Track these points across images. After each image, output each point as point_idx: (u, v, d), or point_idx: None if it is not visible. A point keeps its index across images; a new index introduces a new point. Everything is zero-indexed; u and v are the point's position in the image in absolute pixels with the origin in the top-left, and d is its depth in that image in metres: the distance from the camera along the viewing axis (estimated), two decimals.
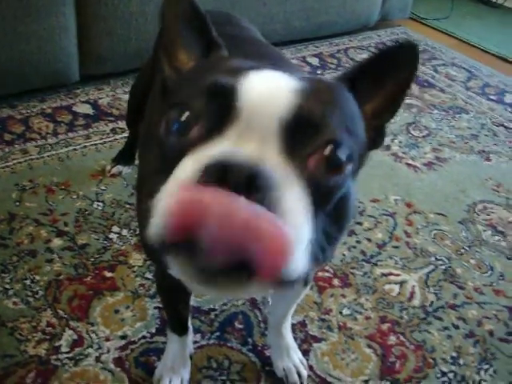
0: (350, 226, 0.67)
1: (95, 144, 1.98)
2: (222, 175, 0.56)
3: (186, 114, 0.63)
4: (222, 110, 0.62)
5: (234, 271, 0.56)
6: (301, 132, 0.62)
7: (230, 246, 0.54)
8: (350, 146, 0.65)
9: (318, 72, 2.63)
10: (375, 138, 0.78)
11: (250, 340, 1.37)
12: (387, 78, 0.75)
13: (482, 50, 3.12)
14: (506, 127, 2.38)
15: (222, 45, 0.76)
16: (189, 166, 0.59)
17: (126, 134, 1.92)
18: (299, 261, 0.59)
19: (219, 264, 0.55)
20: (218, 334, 1.38)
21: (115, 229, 1.63)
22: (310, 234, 0.61)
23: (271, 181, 0.57)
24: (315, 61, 2.74)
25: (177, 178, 0.60)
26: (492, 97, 2.60)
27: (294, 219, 0.58)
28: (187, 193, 0.56)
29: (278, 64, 1.22)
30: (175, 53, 0.76)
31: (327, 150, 0.63)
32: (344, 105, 0.69)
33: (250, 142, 0.61)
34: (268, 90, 0.63)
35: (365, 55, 2.85)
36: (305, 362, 1.33)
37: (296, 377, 1.29)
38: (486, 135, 2.31)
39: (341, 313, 1.46)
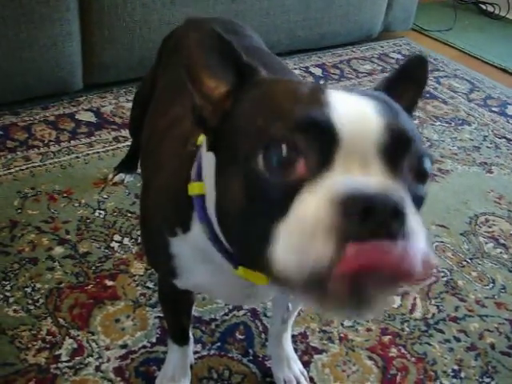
0: None
1: (98, 152, 1.99)
2: (363, 208, 0.56)
3: (285, 150, 0.61)
4: (324, 141, 0.61)
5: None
6: (398, 149, 0.63)
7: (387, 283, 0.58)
8: (431, 154, 0.67)
9: (321, 82, 2.64)
10: None
11: (250, 351, 1.37)
12: (404, 91, 0.79)
13: (485, 61, 3.13)
14: (508, 139, 2.38)
15: (256, 66, 0.75)
16: (320, 204, 0.58)
17: (128, 143, 1.92)
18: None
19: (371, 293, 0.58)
20: (218, 344, 1.37)
21: (117, 237, 1.63)
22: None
23: (406, 208, 0.58)
24: (318, 71, 2.75)
25: (311, 217, 0.58)
26: (494, 109, 2.61)
27: (421, 234, 0.60)
28: (354, 247, 0.56)
29: (286, 76, 1.23)
30: (202, 81, 0.73)
31: (419, 162, 0.65)
32: (407, 116, 0.71)
33: (357, 168, 0.61)
34: (359, 113, 0.63)
35: (368, 66, 2.86)
36: (305, 373, 1.32)
37: None
38: (488, 147, 2.31)
39: (342, 324, 1.46)
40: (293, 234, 0.58)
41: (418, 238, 0.59)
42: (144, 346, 1.35)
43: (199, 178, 0.79)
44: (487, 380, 1.37)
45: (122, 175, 1.84)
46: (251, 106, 0.69)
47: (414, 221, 0.59)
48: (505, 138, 2.39)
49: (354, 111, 0.63)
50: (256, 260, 0.62)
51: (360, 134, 0.62)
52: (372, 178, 0.60)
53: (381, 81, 0.79)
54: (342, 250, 0.55)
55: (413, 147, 0.64)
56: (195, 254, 0.87)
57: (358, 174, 0.60)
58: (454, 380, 1.36)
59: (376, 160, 0.62)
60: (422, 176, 0.66)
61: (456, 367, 1.39)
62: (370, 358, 1.39)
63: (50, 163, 1.90)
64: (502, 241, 1.81)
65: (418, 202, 0.66)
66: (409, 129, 0.65)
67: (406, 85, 0.80)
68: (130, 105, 1.81)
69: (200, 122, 0.74)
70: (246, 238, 0.65)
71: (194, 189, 0.79)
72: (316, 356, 1.38)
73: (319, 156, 0.61)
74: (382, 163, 0.62)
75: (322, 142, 0.61)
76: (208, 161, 0.75)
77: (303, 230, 0.57)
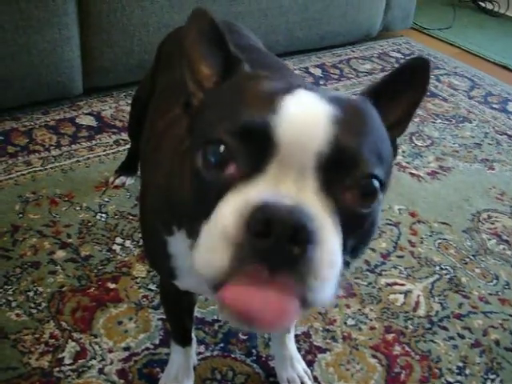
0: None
1: (98, 156, 1.99)
2: (265, 226, 0.57)
3: (223, 150, 0.63)
4: (258, 147, 0.62)
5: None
6: (338, 166, 0.62)
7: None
8: (382, 175, 0.66)
9: (321, 83, 2.63)
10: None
11: (253, 351, 1.37)
12: (403, 93, 0.78)
13: (485, 59, 3.12)
14: (509, 136, 2.37)
15: (243, 59, 0.76)
16: (230, 212, 0.60)
17: (129, 146, 1.92)
18: (330, 291, 0.62)
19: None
20: (221, 345, 1.37)
21: (118, 240, 1.63)
22: (340, 265, 0.63)
23: (313, 232, 0.58)
24: (318, 71, 2.75)
25: (220, 223, 0.60)
26: (495, 105, 2.60)
27: (331, 257, 0.60)
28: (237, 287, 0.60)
29: (282, 74, 1.23)
30: (198, 68, 0.77)
31: (363, 183, 0.64)
32: (376, 129, 0.70)
33: (289, 178, 0.61)
34: (304, 123, 0.62)
35: (367, 65, 2.86)
36: (309, 372, 1.32)
37: None
38: (490, 144, 2.30)
39: (345, 323, 1.45)
40: (206, 236, 0.62)
41: (317, 268, 0.59)
42: (147, 348, 1.35)
43: None
44: (492, 376, 1.36)
45: (122, 178, 1.84)
46: (216, 99, 0.72)
47: (327, 242, 0.59)
48: (506, 134, 2.38)
49: (301, 120, 0.62)
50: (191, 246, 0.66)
51: (299, 145, 0.61)
52: (289, 195, 0.60)
53: (377, 82, 0.77)
54: (235, 264, 0.58)
55: (357, 166, 0.63)
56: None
57: (287, 185, 0.60)
58: (459, 377, 1.35)
59: (311, 174, 0.61)
60: (368, 196, 0.64)
61: (460, 364, 1.38)
62: (374, 357, 1.38)
63: (51, 167, 1.90)
64: (505, 237, 1.81)
65: (358, 220, 0.65)
66: (359, 146, 0.63)
67: (402, 91, 0.78)
68: (129, 108, 1.81)
69: (187, 107, 0.77)
70: (189, 225, 0.69)
71: None
72: (320, 355, 1.37)
73: (251, 162, 0.62)
74: (317, 178, 0.61)
75: (256, 149, 0.62)
76: None
77: (212, 236, 0.61)
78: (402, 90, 0.78)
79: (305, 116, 0.63)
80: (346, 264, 0.65)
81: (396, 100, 0.78)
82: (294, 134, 0.61)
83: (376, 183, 0.64)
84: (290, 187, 0.60)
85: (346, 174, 0.62)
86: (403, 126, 0.82)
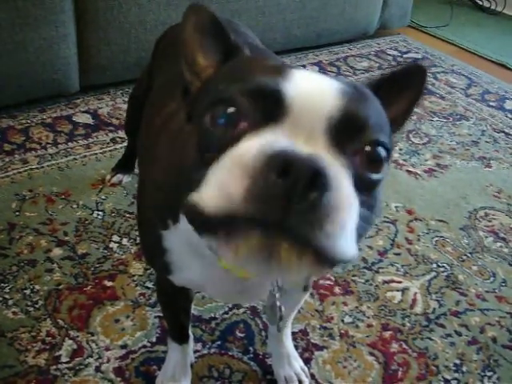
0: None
1: (95, 153, 1.98)
2: (285, 169, 0.56)
3: (233, 109, 0.64)
4: (271, 108, 0.63)
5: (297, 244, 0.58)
6: (347, 131, 0.63)
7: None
8: (388, 145, 0.67)
9: None
10: None
11: (251, 349, 1.37)
12: (402, 93, 0.80)
13: (482, 57, 3.13)
14: (506, 133, 2.37)
15: (244, 47, 0.78)
16: (251, 146, 0.59)
17: (125, 144, 1.92)
18: (351, 243, 0.61)
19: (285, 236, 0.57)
20: (218, 342, 1.37)
21: (115, 238, 1.63)
22: (356, 219, 0.62)
23: (330, 179, 0.58)
24: (315, 69, 2.74)
25: (240, 155, 0.60)
26: (492, 103, 2.60)
27: (347, 203, 0.60)
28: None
29: None
30: (195, 59, 0.78)
31: (370, 148, 0.65)
32: (380, 109, 0.72)
33: (300, 138, 0.62)
34: (314, 89, 0.64)
35: (364, 63, 2.85)
36: (306, 370, 1.32)
37: None
38: (487, 142, 2.30)
39: (342, 321, 1.45)
40: (218, 170, 0.60)
41: (334, 214, 0.58)
42: (144, 346, 1.34)
43: None
44: (489, 374, 1.36)
45: (119, 176, 1.84)
46: (221, 75, 0.74)
47: (341, 195, 0.59)
48: (503, 132, 2.38)
49: (311, 86, 0.64)
50: (186, 197, 0.63)
51: (309, 108, 0.62)
52: (307, 147, 0.60)
53: (375, 78, 0.78)
54: (249, 196, 0.56)
55: (365, 132, 0.64)
56: (187, 248, 0.88)
57: (299, 141, 0.61)
58: (456, 374, 1.35)
59: (322, 135, 0.62)
60: (373, 162, 0.65)
61: (458, 361, 1.38)
62: (371, 354, 1.38)
63: (48, 165, 1.90)
64: (502, 235, 1.81)
65: (367, 186, 0.66)
66: (366, 114, 0.65)
67: (397, 93, 0.80)
68: (126, 106, 1.81)
69: (186, 95, 0.78)
70: (187, 187, 0.65)
71: None
72: (317, 353, 1.37)
73: (263, 121, 0.62)
74: (327, 140, 0.62)
75: (268, 109, 0.63)
76: None
77: (228, 167, 0.59)
78: (399, 91, 0.80)
79: (315, 84, 0.65)
80: (362, 232, 0.65)
81: (394, 97, 0.79)
82: (306, 99, 0.63)
83: (382, 150, 0.66)
84: (302, 144, 0.61)
85: (355, 137, 0.64)
86: (401, 123, 0.84)
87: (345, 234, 0.60)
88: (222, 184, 0.59)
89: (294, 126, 0.62)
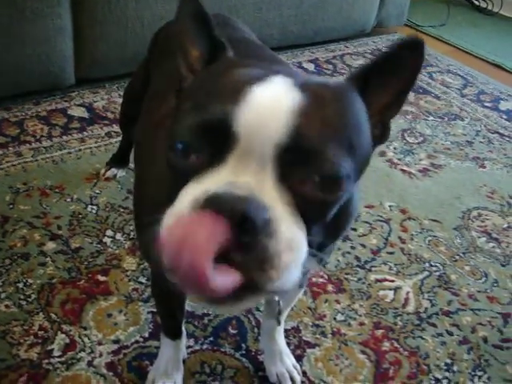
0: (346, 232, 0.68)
1: (90, 147, 1.98)
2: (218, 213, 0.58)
3: (184, 144, 0.66)
4: (218, 140, 0.63)
5: (238, 292, 0.61)
6: (297, 157, 0.62)
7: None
8: (349, 165, 0.65)
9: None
10: (382, 134, 0.78)
11: (243, 345, 1.37)
12: (395, 74, 0.74)
13: (478, 57, 3.13)
14: (500, 134, 2.38)
15: (227, 45, 0.77)
16: (187, 200, 0.62)
17: (120, 138, 1.91)
18: (294, 276, 0.63)
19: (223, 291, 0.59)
20: (211, 338, 1.37)
21: (109, 233, 1.63)
22: (304, 253, 0.63)
23: (264, 221, 0.59)
24: (311, 66, 2.74)
25: (177, 211, 0.63)
26: (487, 104, 2.61)
27: (288, 247, 0.61)
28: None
29: (270, 63, 1.23)
30: (189, 51, 0.79)
31: (324, 174, 0.63)
32: (350, 118, 0.69)
33: (249, 169, 0.62)
34: (264, 114, 0.63)
35: (361, 61, 2.85)
36: (298, 367, 1.32)
37: (289, 382, 1.29)
38: (481, 142, 2.31)
39: (335, 318, 1.46)
40: (165, 223, 0.63)
41: (271, 257, 0.60)
42: (136, 341, 1.34)
43: None
44: (480, 373, 1.37)
45: (114, 170, 1.84)
46: (193, 87, 0.74)
47: (279, 238, 0.60)
48: (497, 132, 2.39)
49: (262, 113, 0.63)
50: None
51: (258, 137, 0.62)
52: (246, 185, 0.61)
53: (367, 63, 0.74)
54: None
55: (318, 159, 0.62)
56: None
57: (245, 175, 0.62)
58: (447, 373, 1.36)
59: (270, 164, 0.62)
60: (330, 187, 0.64)
61: (448, 361, 1.39)
62: (363, 352, 1.39)
63: (42, 158, 1.89)
64: (495, 235, 1.82)
65: (322, 209, 0.66)
66: (319, 139, 0.63)
67: (392, 74, 0.74)
68: (122, 100, 1.80)
69: (179, 91, 0.79)
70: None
71: None
72: (309, 350, 1.38)
73: (211, 154, 0.64)
74: (275, 168, 0.62)
75: (217, 142, 0.63)
76: None
77: (169, 221, 0.63)
78: (394, 72, 0.74)
79: (266, 107, 0.63)
80: (314, 255, 0.66)
81: (387, 82, 0.75)
82: (254, 126, 0.62)
83: (338, 175, 0.64)
84: (249, 178, 0.62)
85: (306, 164, 0.63)
86: (395, 109, 0.79)
87: (287, 273, 0.61)
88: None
89: (244, 156, 0.62)
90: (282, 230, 0.60)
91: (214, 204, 0.59)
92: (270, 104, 0.63)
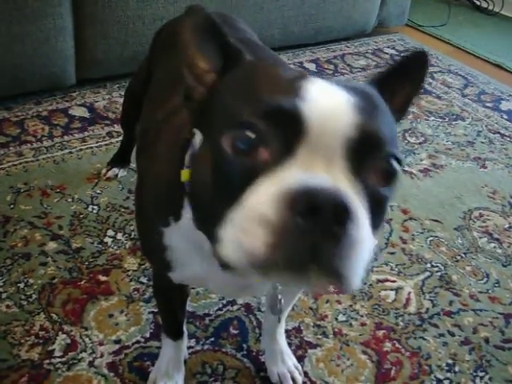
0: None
1: (91, 147, 1.98)
2: (310, 209, 0.58)
3: (253, 134, 0.63)
4: (288, 131, 0.62)
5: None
6: (364, 150, 0.64)
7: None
8: (401, 157, 0.68)
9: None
10: None
11: (244, 345, 1.37)
12: (406, 81, 0.81)
13: (479, 57, 3.13)
14: (501, 134, 2.38)
15: (243, 50, 0.77)
16: (269, 196, 0.60)
17: (121, 138, 1.91)
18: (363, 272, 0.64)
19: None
20: (212, 339, 1.37)
21: (110, 232, 1.62)
22: (372, 246, 0.65)
23: (352, 213, 0.59)
24: (312, 66, 2.74)
25: (258, 208, 0.60)
26: (488, 104, 2.61)
27: (367, 236, 0.62)
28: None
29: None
30: (195, 63, 0.77)
31: (386, 164, 0.66)
32: (387, 114, 0.72)
33: (319, 162, 0.62)
34: (330, 108, 0.63)
35: (362, 61, 2.86)
36: (299, 367, 1.32)
37: (291, 382, 1.29)
38: (482, 142, 2.31)
39: (336, 319, 1.46)
40: (237, 223, 0.61)
41: (357, 246, 0.60)
42: (138, 341, 1.34)
43: None
44: (481, 374, 1.37)
45: (115, 170, 1.83)
46: (231, 87, 0.72)
47: (361, 228, 0.61)
48: (498, 133, 2.39)
49: (327, 105, 0.63)
50: (212, 238, 0.66)
51: (327, 129, 0.62)
52: (325, 178, 0.61)
53: (376, 74, 0.79)
54: (275, 249, 0.58)
55: (381, 149, 0.65)
56: (188, 244, 0.88)
57: (318, 168, 0.61)
58: (448, 374, 1.36)
59: (340, 157, 0.62)
60: (388, 177, 0.66)
61: (450, 361, 1.39)
62: (365, 353, 1.38)
63: (43, 158, 1.89)
64: (496, 235, 1.82)
65: (380, 204, 0.67)
66: (381, 129, 0.65)
67: (402, 81, 0.81)
68: (123, 99, 1.80)
69: (188, 100, 0.77)
70: (207, 215, 0.68)
71: (185, 175, 0.78)
72: (310, 350, 1.37)
73: (282, 145, 0.62)
74: (345, 161, 0.63)
75: (287, 133, 0.62)
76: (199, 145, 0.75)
77: (247, 221, 0.60)
78: (403, 81, 0.81)
79: (330, 101, 0.64)
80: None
81: (397, 90, 0.80)
82: (323, 119, 0.62)
83: (396, 164, 0.67)
84: (323, 171, 0.61)
85: (372, 156, 0.64)
86: (404, 112, 0.85)
87: (363, 264, 0.62)
88: (242, 243, 0.60)
89: (313, 151, 0.62)
90: (362, 220, 0.61)
91: (307, 197, 0.58)
92: (331, 100, 0.64)
